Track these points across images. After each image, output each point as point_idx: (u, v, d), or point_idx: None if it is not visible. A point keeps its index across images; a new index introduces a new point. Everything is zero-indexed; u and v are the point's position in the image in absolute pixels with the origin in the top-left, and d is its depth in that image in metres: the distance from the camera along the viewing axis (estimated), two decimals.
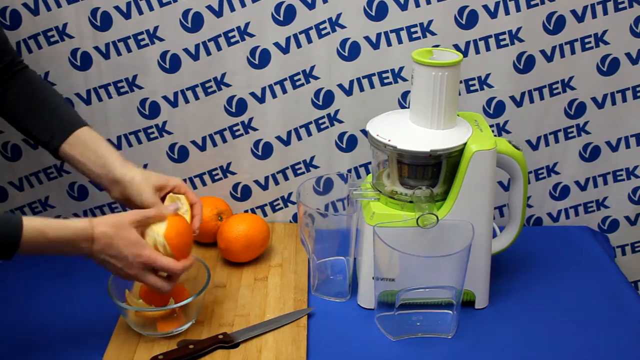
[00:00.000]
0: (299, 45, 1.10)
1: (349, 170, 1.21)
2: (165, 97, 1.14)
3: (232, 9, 1.07)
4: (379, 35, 1.10)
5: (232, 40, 1.10)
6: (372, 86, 1.14)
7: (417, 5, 1.07)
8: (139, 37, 1.09)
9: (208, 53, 1.10)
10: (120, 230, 0.84)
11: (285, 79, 1.13)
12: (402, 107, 1.15)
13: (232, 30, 1.09)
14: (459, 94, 1.00)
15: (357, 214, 1.02)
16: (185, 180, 1.21)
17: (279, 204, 1.25)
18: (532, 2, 1.08)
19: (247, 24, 1.09)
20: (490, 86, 1.15)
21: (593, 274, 1.12)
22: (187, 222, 0.93)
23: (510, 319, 1.01)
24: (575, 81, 1.15)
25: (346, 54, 1.11)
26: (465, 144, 0.93)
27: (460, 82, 1.12)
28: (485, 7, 1.08)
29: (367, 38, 1.10)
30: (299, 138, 1.18)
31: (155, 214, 0.90)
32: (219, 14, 1.08)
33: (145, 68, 1.11)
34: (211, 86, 1.13)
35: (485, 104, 1.17)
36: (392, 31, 1.10)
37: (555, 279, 1.10)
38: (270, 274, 1.10)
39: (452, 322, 0.97)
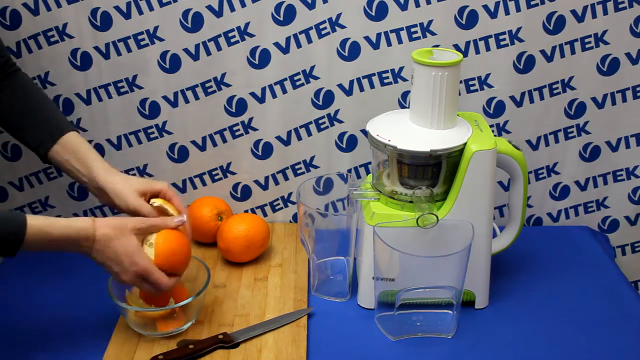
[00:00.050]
0: (299, 45, 1.10)
1: (349, 170, 1.21)
2: (165, 97, 1.14)
3: (232, 9, 1.07)
4: (379, 35, 1.10)
5: (232, 40, 1.10)
6: (372, 86, 1.14)
7: (417, 5, 1.07)
8: (139, 37, 1.09)
9: (208, 53, 1.10)
10: (121, 235, 0.85)
11: (285, 79, 1.13)
12: (402, 107, 1.15)
13: (232, 30, 1.09)
14: (459, 94, 1.00)
15: (357, 214, 1.02)
16: (185, 180, 1.22)
17: (279, 204, 1.25)
18: (532, 2, 1.08)
19: (247, 24, 1.09)
20: (490, 86, 1.15)
21: (593, 274, 1.12)
22: (182, 237, 0.92)
23: (510, 319, 1.01)
24: (575, 81, 1.15)
25: (346, 54, 1.11)
26: (465, 144, 0.93)
27: (460, 82, 1.12)
28: (485, 7, 1.08)
29: (367, 38, 1.10)
30: (299, 138, 1.18)
31: (159, 224, 0.90)
32: (219, 14, 1.08)
33: (145, 68, 1.11)
34: (211, 86, 1.13)
35: (485, 104, 1.17)
36: (392, 31, 1.10)
37: (555, 279, 1.10)
38: (270, 274, 1.10)
39: (452, 322, 0.97)
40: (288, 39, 1.10)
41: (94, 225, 0.84)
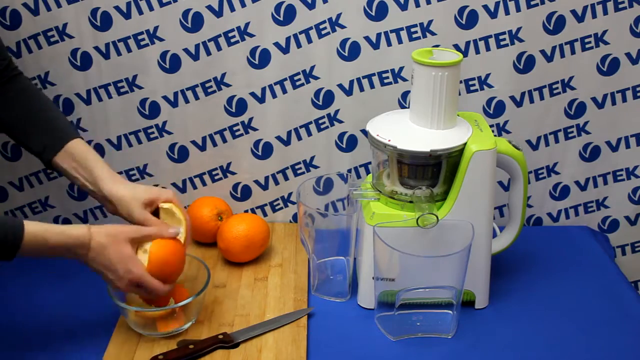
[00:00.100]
0: (299, 45, 1.10)
1: (349, 170, 1.21)
2: (165, 97, 1.14)
3: (232, 9, 1.07)
4: (379, 35, 1.10)
5: (232, 40, 1.10)
6: (372, 86, 1.14)
7: (417, 5, 1.07)
8: (139, 37, 1.09)
9: (208, 53, 1.10)
10: (115, 243, 0.86)
11: (285, 79, 1.13)
12: (402, 107, 1.15)
13: (232, 30, 1.09)
14: (459, 94, 1.00)
15: (357, 214, 1.02)
16: (185, 180, 1.22)
17: (279, 204, 1.25)
18: (532, 2, 1.08)
19: (247, 24, 1.09)
20: (490, 86, 1.15)
21: (593, 274, 1.12)
22: (177, 246, 0.92)
23: (510, 319, 1.01)
24: (575, 81, 1.15)
25: (346, 54, 1.11)
26: (465, 144, 0.93)
27: (460, 82, 1.12)
28: (485, 7, 1.08)
29: (367, 38, 1.10)
30: (299, 138, 1.18)
31: (154, 234, 0.90)
32: (219, 14, 1.08)
33: (145, 68, 1.11)
34: (211, 86, 1.13)
35: (485, 104, 1.17)
36: (392, 31, 1.10)
37: (555, 279, 1.10)
38: (270, 274, 1.10)
39: (452, 322, 0.97)
40: (288, 39, 1.10)
41: (90, 234, 0.84)
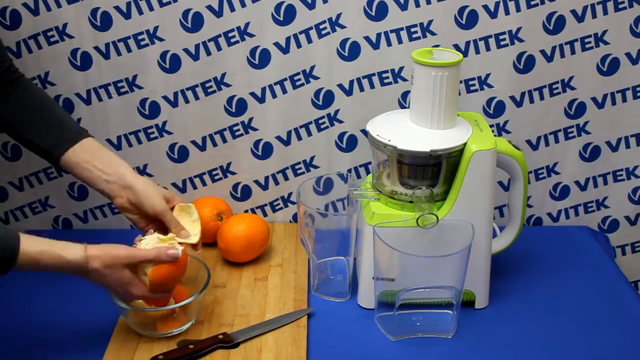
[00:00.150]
0: (299, 45, 1.10)
1: (349, 170, 1.21)
2: (165, 97, 1.14)
3: (232, 9, 1.07)
4: (379, 35, 1.10)
5: (232, 40, 1.10)
6: (372, 86, 1.14)
7: (417, 5, 1.07)
8: (139, 37, 1.09)
9: (208, 53, 1.10)
10: (113, 271, 0.86)
11: (285, 79, 1.13)
12: (402, 107, 1.15)
13: (232, 30, 1.09)
14: (459, 94, 1.00)
15: (357, 214, 1.02)
16: (185, 180, 1.22)
17: (279, 204, 1.25)
18: (532, 2, 1.08)
19: (247, 24, 1.09)
20: (490, 86, 1.15)
21: (593, 274, 1.12)
22: (177, 265, 0.90)
23: (510, 319, 1.01)
24: (575, 81, 1.15)
25: (346, 54, 1.11)
26: (465, 144, 0.93)
27: (460, 82, 1.12)
28: (485, 7, 1.08)
29: (367, 38, 1.10)
30: (299, 138, 1.18)
31: (152, 258, 0.88)
32: (219, 14, 1.08)
33: (145, 68, 1.11)
34: (211, 86, 1.13)
35: (485, 104, 1.17)
36: (392, 31, 1.10)
37: (555, 279, 1.10)
38: (270, 274, 1.10)
39: (452, 322, 0.97)
40: (288, 39, 1.10)
41: (86, 259, 0.84)
